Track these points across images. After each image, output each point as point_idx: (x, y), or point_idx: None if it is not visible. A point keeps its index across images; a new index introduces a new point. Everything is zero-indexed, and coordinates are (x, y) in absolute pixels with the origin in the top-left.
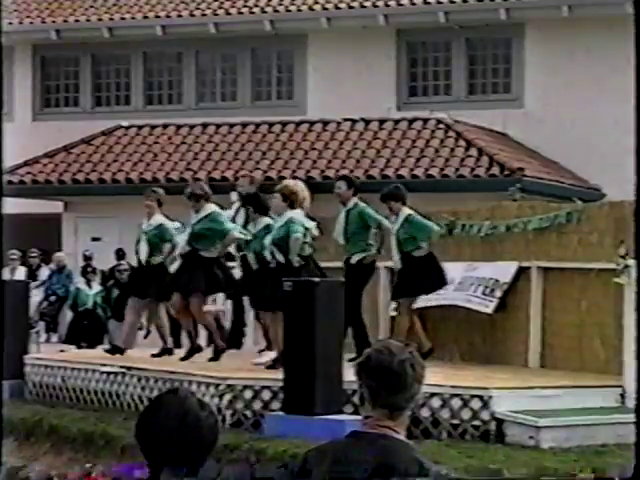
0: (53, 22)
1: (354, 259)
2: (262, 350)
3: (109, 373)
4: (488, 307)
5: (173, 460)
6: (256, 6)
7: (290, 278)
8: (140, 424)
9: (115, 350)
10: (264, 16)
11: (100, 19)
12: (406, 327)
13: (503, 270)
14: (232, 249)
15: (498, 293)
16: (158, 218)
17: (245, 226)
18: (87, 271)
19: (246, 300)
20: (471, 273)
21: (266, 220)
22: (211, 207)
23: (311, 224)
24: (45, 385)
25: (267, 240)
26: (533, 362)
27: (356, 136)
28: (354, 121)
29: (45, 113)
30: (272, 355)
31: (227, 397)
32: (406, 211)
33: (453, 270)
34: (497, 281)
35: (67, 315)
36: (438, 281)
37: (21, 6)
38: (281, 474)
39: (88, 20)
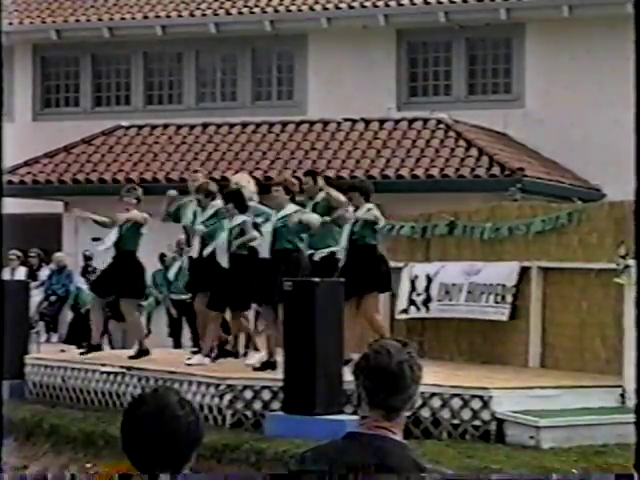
0: (53, 22)
1: (317, 256)
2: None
3: (109, 373)
4: (504, 314)
5: (153, 460)
6: (256, 6)
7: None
8: (122, 425)
9: (91, 349)
10: (264, 16)
11: (100, 19)
12: (379, 324)
13: (507, 273)
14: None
15: (509, 298)
16: (135, 214)
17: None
18: (87, 271)
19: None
20: (476, 278)
21: (242, 217)
22: (218, 206)
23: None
24: (45, 385)
25: (267, 229)
26: (533, 362)
27: (356, 136)
28: (354, 121)
29: (45, 113)
30: (260, 356)
31: (227, 397)
32: (368, 205)
33: (453, 271)
34: (504, 286)
35: (67, 315)
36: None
37: (21, 6)
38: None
39: (88, 20)
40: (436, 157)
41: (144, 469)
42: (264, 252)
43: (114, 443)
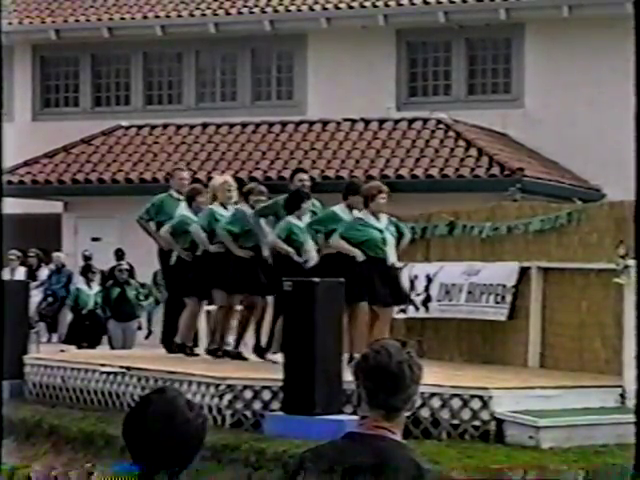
0: (53, 22)
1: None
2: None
3: (109, 373)
4: (503, 314)
5: (160, 460)
6: (256, 6)
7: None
8: (127, 423)
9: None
10: (264, 16)
11: (100, 19)
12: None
13: (507, 273)
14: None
15: (508, 298)
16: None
17: None
18: (87, 271)
19: None
20: (475, 279)
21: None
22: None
23: None
24: (45, 385)
25: (390, 236)
26: (533, 362)
27: (356, 136)
28: (354, 121)
29: (45, 113)
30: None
31: (227, 397)
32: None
33: (453, 271)
34: (504, 286)
35: (67, 315)
36: None
37: (21, 6)
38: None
39: (88, 20)
40: (436, 157)
41: (150, 470)
42: (392, 257)
43: (114, 443)
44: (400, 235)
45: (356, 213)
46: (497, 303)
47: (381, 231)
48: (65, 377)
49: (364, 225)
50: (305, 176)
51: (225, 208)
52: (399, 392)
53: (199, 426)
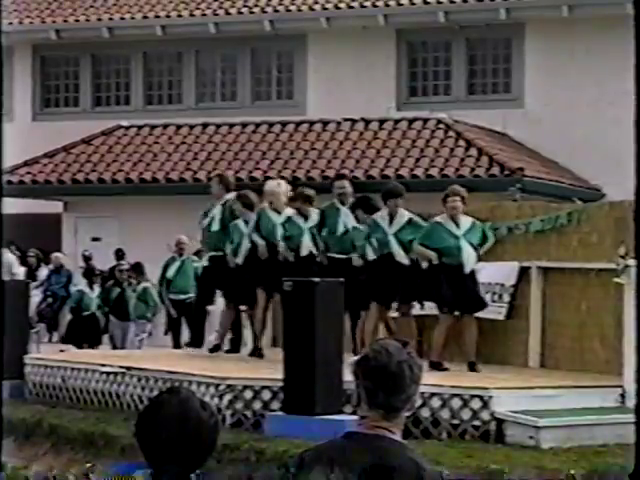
0: (53, 22)
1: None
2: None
3: (109, 373)
4: (501, 313)
5: (173, 460)
6: (256, 6)
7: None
8: (140, 424)
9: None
10: (264, 16)
11: (100, 19)
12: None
13: (506, 273)
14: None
15: (506, 298)
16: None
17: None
18: (91, 274)
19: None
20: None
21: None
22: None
23: None
24: (45, 385)
25: (458, 243)
26: (533, 362)
27: (356, 136)
28: (354, 121)
29: (45, 113)
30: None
31: (227, 397)
32: (407, 213)
33: None
34: (503, 285)
35: (67, 316)
36: None
37: (21, 6)
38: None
39: (88, 20)
40: (436, 157)
41: (163, 470)
42: (468, 265)
43: (114, 443)
44: (484, 238)
45: (437, 217)
46: (494, 302)
47: (457, 237)
48: (65, 377)
49: (442, 231)
50: (345, 182)
51: (279, 213)
52: (399, 392)
53: (213, 426)
